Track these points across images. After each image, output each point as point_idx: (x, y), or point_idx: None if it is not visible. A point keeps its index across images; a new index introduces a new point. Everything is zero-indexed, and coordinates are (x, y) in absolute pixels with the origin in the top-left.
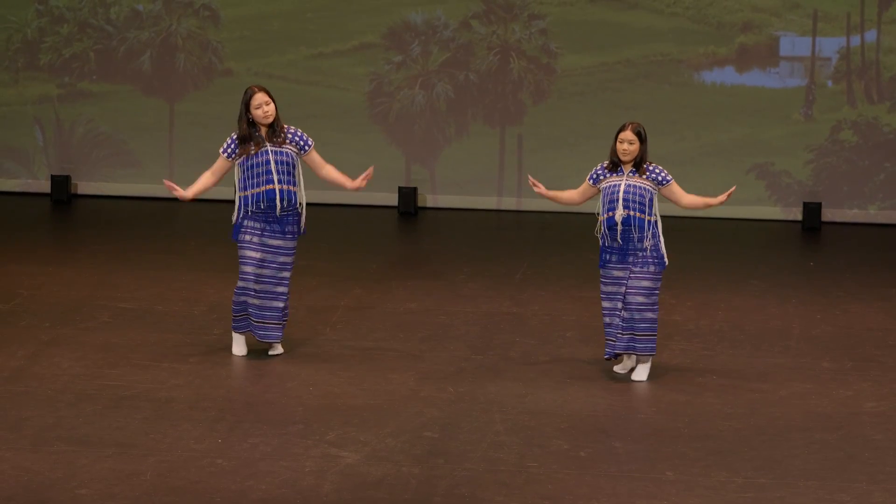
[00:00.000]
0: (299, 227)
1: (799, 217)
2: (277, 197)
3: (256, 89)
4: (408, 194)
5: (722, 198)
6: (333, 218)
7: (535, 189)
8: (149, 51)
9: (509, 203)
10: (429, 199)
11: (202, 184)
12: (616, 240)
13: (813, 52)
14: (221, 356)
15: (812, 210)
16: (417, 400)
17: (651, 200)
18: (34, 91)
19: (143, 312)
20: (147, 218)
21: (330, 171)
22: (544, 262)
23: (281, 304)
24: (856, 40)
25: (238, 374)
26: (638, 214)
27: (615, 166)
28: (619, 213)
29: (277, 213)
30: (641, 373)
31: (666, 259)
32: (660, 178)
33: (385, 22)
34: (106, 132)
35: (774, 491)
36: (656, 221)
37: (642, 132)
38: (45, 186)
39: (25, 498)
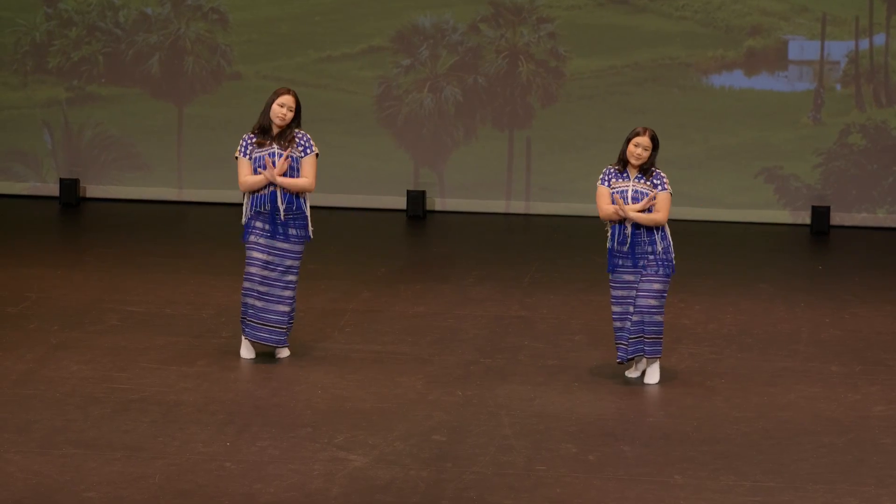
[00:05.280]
0: (307, 232)
1: (807, 221)
2: (279, 199)
3: (287, 91)
4: (416, 198)
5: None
6: (342, 221)
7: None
8: (157, 54)
9: (518, 206)
10: (437, 202)
11: (253, 179)
12: (626, 245)
13: (822, 55)
14: (230, 359)
15: (820, 214)
16: (426, 403)
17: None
18: (43, 94)
19: (151, 316)
20: (155, 221)
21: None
22: (553, 266)
23: (286, 309)
24: (864, 44)
25: (246, 378)
26: None
27: (623, 166)
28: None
29: (282, 216)
30: (653, 375)
31: (673, 263)
32: (658, 183)
33: (393, 25)
34: (114, 135)
35: (783, 495)
36: (664, 225)
37: (657, 140)
38: (53, 190)
39: (33, 501)
